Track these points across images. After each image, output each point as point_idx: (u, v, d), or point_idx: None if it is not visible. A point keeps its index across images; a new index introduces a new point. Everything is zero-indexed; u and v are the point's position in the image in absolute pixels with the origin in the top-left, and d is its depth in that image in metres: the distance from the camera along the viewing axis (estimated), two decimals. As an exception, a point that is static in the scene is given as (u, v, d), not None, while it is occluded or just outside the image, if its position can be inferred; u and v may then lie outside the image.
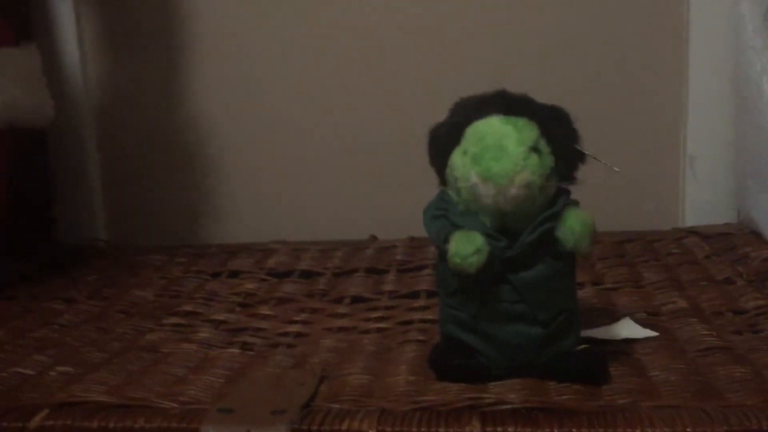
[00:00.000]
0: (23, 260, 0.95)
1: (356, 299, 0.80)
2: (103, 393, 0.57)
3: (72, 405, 0.55)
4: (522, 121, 0.56)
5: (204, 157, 1.08)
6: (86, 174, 1.06)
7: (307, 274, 0.88)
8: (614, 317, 0.70)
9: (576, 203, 0.58)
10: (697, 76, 0.98)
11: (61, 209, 1.07)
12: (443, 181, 0.59)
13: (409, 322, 0.73)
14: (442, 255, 0.57)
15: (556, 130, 0.56)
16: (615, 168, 0.58)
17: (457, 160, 0.57)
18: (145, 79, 1.07)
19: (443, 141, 0.58)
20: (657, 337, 0.66)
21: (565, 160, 0.57)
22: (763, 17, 0.87)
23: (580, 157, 0.58)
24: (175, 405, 0.55)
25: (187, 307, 0.79)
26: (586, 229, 0.55)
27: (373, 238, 1.02)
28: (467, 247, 0.55)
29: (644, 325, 0.68)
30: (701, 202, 0.99)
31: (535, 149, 0.55)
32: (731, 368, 0.58)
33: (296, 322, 0.75)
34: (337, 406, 0.54)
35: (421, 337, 0.68)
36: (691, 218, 1.00)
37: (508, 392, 0.56)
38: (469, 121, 0.57)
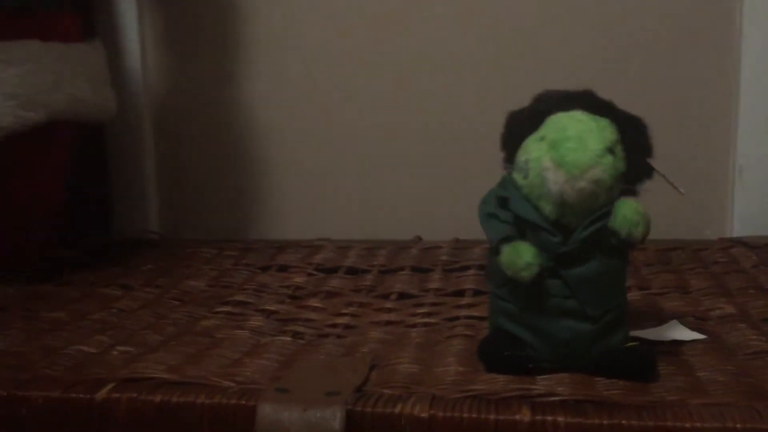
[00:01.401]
0: (79, 249, 0.99)
1: (403, 295, 0.82)
2: (163, 371, 0.59)
3: (135, 380, 0.57)
4: (605, 122, 0.57)
5: (255, 155, 1.11)
6: (142, 169, 1.10)
7: (353, 271, 0.90)
8: (662, 320, 0.70)
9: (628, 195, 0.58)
10: (747, 87, 0.98)
11: (117, 202, 1.11)
12: (509, 163, 0.60)
13: (456, 318, 0.74)
14: (494, 251, 0.59)
15: (633, 140, 0.58)
16: (680, 189, 0.59)
17: (533, 144, 0.58)
18: (202, 77, 1.10)
19: (521, 125, 0.59)
20: (705, 339, 0.66)
21: (635, 171, 0.58)
22: (817, 28, 0.87)
23: (649, 171, 0.59)
24: (233, 384, 0.57)
25: (239, 297, 0.81)
26: (639, 217, 0.56)
27: (418, 238, 1.03)
28: (518, 262, 0.56)
29: (692, 328, 0.68)
30: (749, 213, 0.99)
31: (611, 151, 0.56)
32: (780, 371, 0.58)
33: (344, 314, 0.76)
34: (388, 391, 0.55)
35: (468, 332, 0.69)
36: (739, 229, 0.99)
37: (556, 386, 0.56)
38: (551, 111, 0.58)
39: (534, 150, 0.58)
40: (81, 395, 0.55)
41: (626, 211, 0.56)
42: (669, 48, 1.00)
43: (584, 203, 0.56)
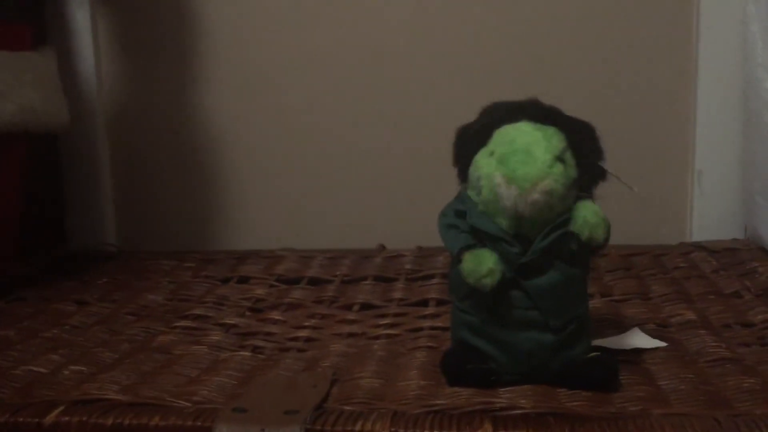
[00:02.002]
0: (34, 263, 0.96)
1: (365, 306, 0.81)
2: (116, 391, 0.58)
3: (86, 402, 0.55)
4: (551, 130, 0.57)
5: (214, 164, 1.09)
6: (98, 179, 1.07)
7: (315, 281, 0.89)
8: (623, 328, 0.70)
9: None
10: (705, 92, 0.99)
11: (72, 214, 1.08)
12: (464, 180, 0.60)
13: (419, 329, 0.73)
14: (455, 260, 0.58)
15: (583, 145, 0.57)
16: (634, 188, 0.59)
17: (483, 160, 0.58)
18: (158, 85, 1.08)
19: (470, 140, 0.59)
20: (666, 347, 0.66)
21: (587, 175, 0.58)
22: (772, 35, 0.88)
23: (602, 174, 0.59)
24: (188, 404, 0.55)
25: (198, 311, 0.80)
26: (599, 219, 0.56)
27: (381, 247, 1.02)
28: (479, 269, 0.56)
29: (653, 335, 0.68)
30: (708, 217, 1.00)
31: (560, 159, 0.56)
32: (740, 378, 0.58)
33: (306, 327, 0.75)
34: (349, 408, 0.54)
35: (431, 344, 0.69)
36: (699, 233, 1.00)
37: (519, 398, 0.56)
38: (498, 123, 0.58)
39: (484, 166, 0.57)
40: (29, 419, 0.53)
41: (586, 214, 0.56)
42: (627, 55, 1.01)
43: (540, 215, 0.56)
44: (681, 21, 1.00)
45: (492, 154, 0.57)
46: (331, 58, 1.05)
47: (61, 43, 1.02)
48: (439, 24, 1.03)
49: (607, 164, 0.59)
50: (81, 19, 1.03)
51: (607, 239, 0.57)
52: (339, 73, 1.05)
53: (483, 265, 0.56)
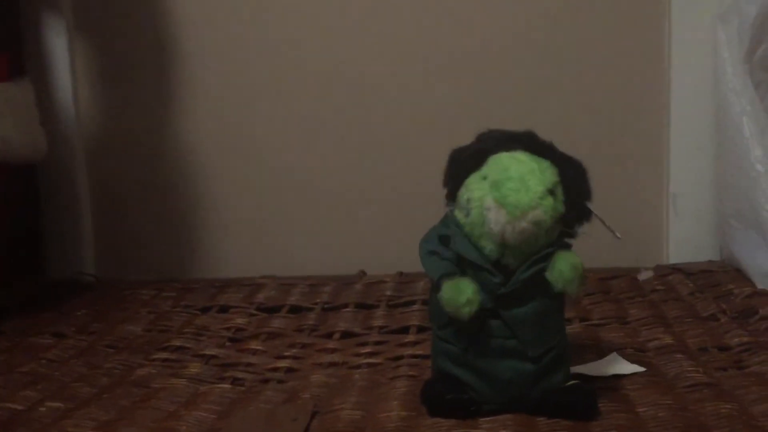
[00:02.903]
0: (10, 295, 0.95)
1: (346, 334, 0.81)
2: (94, 428, 0.57)
3: (63, 441, 0.55)
4: (546, 163, 0.58)
5: (193, 192, 1.08)
6: (76, 208, 1.06)
7: (296, 309, 0.89)
8: (602, 353, 0.71)
9: (568, 246, 0.59)
10: (679, 117, 1.00)
11: (50, 243, 1.07)
12: (452, 200, 0.60)
13: (400, 358, 0.73)
14: (435, 287, 0.58)
15: (572, 183, 0.58)
16: (617, 234, 0.60)
17: (475, 183, 0.58)
18: (137, 114, 1.08)
19: (464, 163, 0.59)
20: (644, 372, 0.67)
21: (573, 213, 0.59)
22: (742, 61, 0.90)
23: (588, 214, 0.59)
24: (167, 441, 0.55)
25: (177, 342, 0.79)
26: (575, 273, 0.56)
27: (362, 273, 1.02)
28: (458, 298, 0.56)
29: (632, 360, 0.69)
30: (684, 240, 1.01)
31: (552, 192, 0.57)
32: (718, 404, 0.59)
33: (286, 357, 0.75)
34: (330, 441, 0.54)
35: (411, 372, 0.69)
36: (675, 255, 1.01)
37: (499, 428, 0.56)
38: (494, 150, 0.59)
39: (476, 189, 0.58)
40: (4, 460, 0.53)
41: (562, 266, 0.57)
42: (601, 80, 1.02)
43: (525, 244, 0.56)
44: (653, 48, 1.02)
45: (485, 178, 0.57)
46: (310, 87, 1.05)
47: (39, 72, 1.02)
48: (415, 51, 1.04)
49: (593, 204, 0.60)
50: (58, 48, 1.03)
51: (581, 290, 0.57)
52: (318, 101, 1.06)
53: (462, 294, 0.56)
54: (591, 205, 0.60)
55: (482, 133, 0.62)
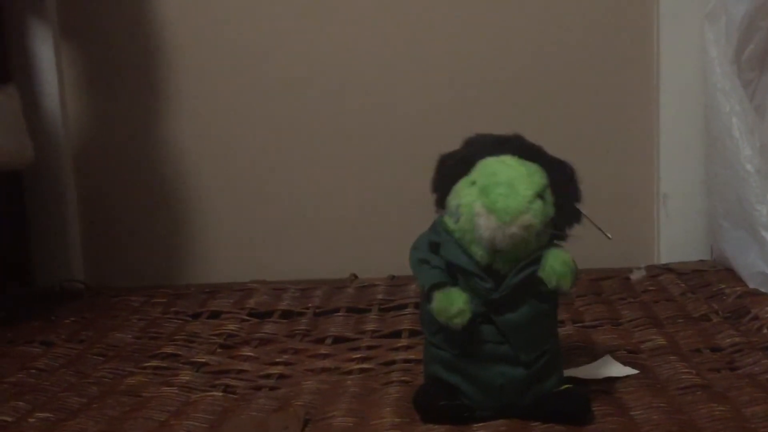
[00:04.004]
0: (-1, 302, 0.94)
1: (338, 339, 0.80)
2: (83, 440, 0.56)
3: (52, 453, 0.54)
4: (534, 167, 0.58)
5: (182, 197, 1.08)
6: (64, 215, 1.05)
7: (288, 314, 0.88)
8: (595, 355, 0.71)
9: (557, 245, 0.59)
10: (668, 118, 1.01)
11: (38, 251, 1.06)
12: (441, 206, 0.60)
13: (392, 363, 0.73)
14: (426, 295, 0.58)
15: (562, 185, 0.58)
16: (608, 235, 0.60)
17: (464, 189, 0.58)
18: (125, 120, 1.07)
19: (452, 169, 0.59)
20: (637, 375, 0.66)
21: (564, 215, 0.58)
22: (730, 61, 0.90)
23: (578, 216, 0.59)
24: (158, 452, 0.54)
25: (168, 350, 0.78)
26: (567, 269, 0.56)
27: (354, 276, 1.02)
28: (450, 309, 0.56)
29: (624, 363, 0.69)
30: (675, 240, 1.01)
31: (541, 196, 0.56)
32: (711, 406, 0.59)
33: (278, 363, 0.74)
34: (322, 450, 0.54)
35: (404, 378, 0.68)
36: (666, 255, 1.01)
37: (493, 433, 0.56)
38: (482, 155, 0.58)
39: (465, 195, 0.57)
40: (-8, 474, 0.52)
41: (554, 263, 0.56)
42: (591, 82, 1.02)
43: (515, 248, 0.56)
44: (642, 50, 1.02)
45: (474, 183, 0.57)
46: (299, 93, 1.05)
47: (25, 79, 1.01)
48: (404, 55, 1.04)
49: (583, 205, 0.60)
50: (45, 54, 1.02)
51: (573, 286, 0.57)
52: (307, 105, 1.05)
53: (453, 305, 0.56)
54: (581, 207, 0.59)
55: (470, 138, 0.61)
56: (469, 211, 0.56)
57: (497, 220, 0.55)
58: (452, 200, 0.59)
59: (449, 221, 0.58)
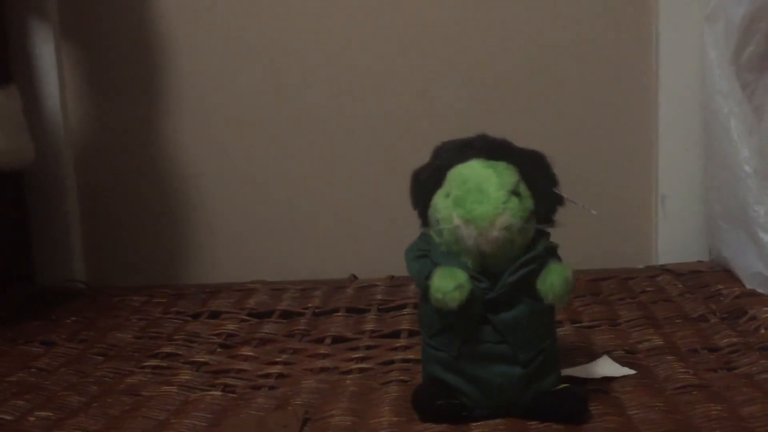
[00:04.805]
0: (0, 302, 0.94)
1: (337, 339, 0.80)
2: (83, 439, 0.57)
3: (52, 452, 0.54)
4: (502, 165, 0.58)
5: (183, 197, 1.08)
6: (65, 215, 1.06)
7: (287, 315, 0.89)
8: (592, 355, 0.71)
9: (555, 248, 0.59)
10: (667, 119, 1.01)
11: (39, 251, 1.06)
12: (425, 222, 0.60)
13: (391, 362, 0.73)
14: (424, 295, 0.58)
15: (535, 174, 0.58)
16: (592, 211, 0.60)
17: (440, 202, 0.58)
18: (125, 120, 1.07)
19: (426, 184, 0.60)
20: (635, 375, 0.67)
21: (544, 203, 0.59)
22: (729, 63, 0.90)
23: (558, 200, 0.59)
24: (157, 450, 0.54)
25: (167, 349, 0.79)
26: (566, 287, 0.56)
27: (353, 277, 1.02)
28: (449, 283, 0.56)
29: (622, 363, 0.69)
30: (673, 241, 1.02)
31: (515, 192, 0.57)
32: (708, 406, 0.59)
33: (277, 363, 0.75)
34: (321, 448, 0.54)
35: (403, 377, 0.69)
36: (664, 256, 1.02)
37: (491, 432, 0.56)
38: (451, 164, 0.59)
39: (442, 209, 0.58)
40: (-8, 472, 0.52)
41: (555, 280, 0.56)
42: (590, 83, 1.03)
43: (502, 251, 0.56)
44: (641, 51, 1.02)
45: (448, 195, 0.58)
46: (300, 92, 1.05)
47: (26, 80, 1.01)
48: (403, 57, 1.04)
49: (564, 190, 0.60)
50: (46, 54, 1.02)
51: (569, 299, 0.57)
52: (308, 105, 1.06)
53: (453, 279, 0.56)
54: (559, 189, 0.59)
55: (437, 147, 0.62)
56: (450, 225, 0.57)
57: (476, 228, 0.55)
58: (432, 215, 0.59)
59: (434, 235, 0.59)
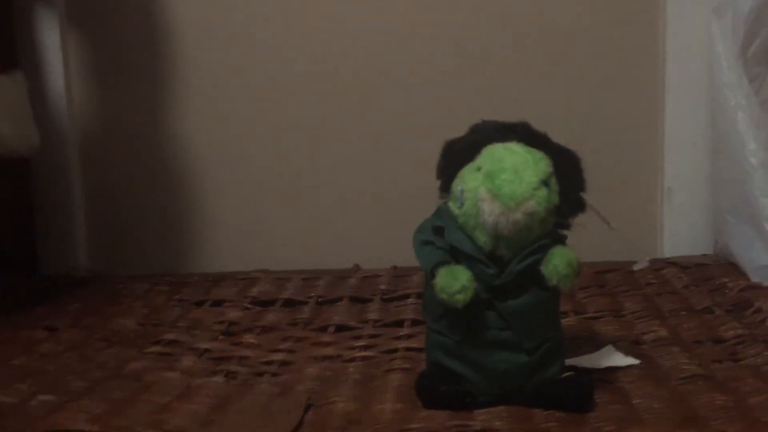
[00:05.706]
0: (4, 289, 0.94)
1: (340, 328, 0.80)
2: (86, 421, 0.57)
3: (55, 433, 0.54)
4: (540, 154, 0.58)
5: (187, 186, 1.08)
6: (70, 202, 1.06)
7: (290, 303, 0.88)
8: (597, 346, 0.71)
9: (564, 238, 0.59)
10: (673, 112, 1.00)
11: (44, 238, 1.06)
12: (445, 192, 0.60)
13: (394, 351, 0.73)
14: (430, 280, 0.58)
15: (567, 173, 0.58)
16: (611, 225, 0.60)
17: (469, 174, 0.58)
18: (130, 108, 1.07)
19: (458, 154, 0.59)
20: (639, 365, 0.66)
21: (568, 204, 0.58)
22: (736, 56, 0.90)
23: (582, 205, 0.59)
24: (160, 433, 0.54)
25: (170, 336, 0.79)
26: (570, 270, 0.56)
27: (357, 267, 1.02)
28: (453, 285, 0.56)
29: (626, 353, 0.69)
30: (679, 234, 1.01)
31: (546, 183, 0.56)
32: (713, 396, 0.59)
33: (280, 350, 0.75)
34: (323, 433, 0.54)
35: (406, 365, 0.68)
36: (669, 249, 1.01)
37: (494, 420, 0.56)
38: (488, 141, 0.58)
39: (470, 180, 0.57)
40: (-5, 452, 0.52)
41: (559, 262, 0.56)
42: (597, 76, 1.02)
43: (518, 235, 0.56)
44: (648, 44, 1.02)
45: (479, 169, 0.57)
46: (303, 83, 1.05)
47: (31, 67, 1.01)
48: (407, 46, 1.04)
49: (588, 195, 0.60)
50: (51, 42, 1.02)
51: (573, 282, 0.57)
52: (313, 96, 1.05)
53: (457, 281, 0.56)
54: (585, 196, 0.59)
55: (476, 124, 0.62)
56: (474, 196, 0.56)
57: (501, 205, 0.55)
58: (457, 185, 0.59)
59: (453, 206, 0.59)
